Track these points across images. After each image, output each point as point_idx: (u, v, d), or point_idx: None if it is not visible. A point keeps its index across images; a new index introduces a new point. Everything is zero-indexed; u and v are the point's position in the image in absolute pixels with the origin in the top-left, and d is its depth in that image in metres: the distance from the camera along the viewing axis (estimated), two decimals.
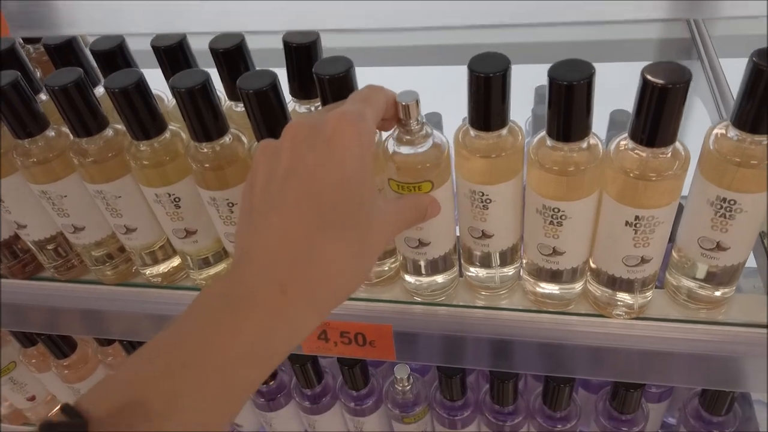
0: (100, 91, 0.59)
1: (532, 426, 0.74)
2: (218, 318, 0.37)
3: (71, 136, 0.54)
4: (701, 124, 0.67)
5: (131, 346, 0.78)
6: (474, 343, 0.60)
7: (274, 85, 0.47)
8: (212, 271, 0.64)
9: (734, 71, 0.61)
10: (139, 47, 0.61)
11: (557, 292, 0.56)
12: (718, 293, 0.53)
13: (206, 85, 0.47)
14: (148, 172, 0.53)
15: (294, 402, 0.80)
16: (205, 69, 0.50)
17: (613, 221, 0.48)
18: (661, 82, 0.39)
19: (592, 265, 0.54)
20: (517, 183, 0.50)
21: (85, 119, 0.51)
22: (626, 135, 0.45)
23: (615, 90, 0.61)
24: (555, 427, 0.71)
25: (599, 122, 0.49)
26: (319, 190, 0.38)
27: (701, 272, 0.52)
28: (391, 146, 0.49)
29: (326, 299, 0.39)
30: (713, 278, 0.51)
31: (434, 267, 0.57)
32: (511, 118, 0.47)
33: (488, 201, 0.50)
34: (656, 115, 0.41)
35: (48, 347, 0.81)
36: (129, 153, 0.53)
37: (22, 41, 0.69)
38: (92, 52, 0.58)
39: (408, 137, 0.48)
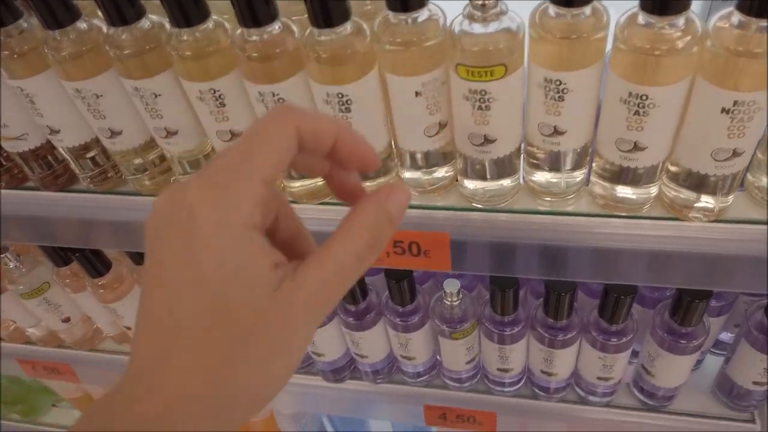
0: None
1: (585, 340, 0.72)
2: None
3: (105, 29, 0.49)
4: None
5: None
6: (535, 251, 0.57)
7: None
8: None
9: None
10: None
11: (631, 195, 0.52)
12: None
13: None
14: (189, 66, 0.49)
15: (338, 319, 0.78)
16: None
17: (706, 108, 0.44)
18: None
19: (672, 165, 0.50)
20: (597, 71, 0.45)
21: (120, 6, 0.47)
22: (731, 8, 0.40)
23: None
24: (609, 341, 0.69)
25: None
26: (176, 307, 0.28)
27: None
28: (459, 26, 0.44)
29: (238, 414, 0.30)
30: None
31: (498, 168, 0.53)
32: None
33: (565, 91, 0.45)
34: None
35: (82, 265, 0.79)
36: (169, 45, 0.48)
37: None
38: None
39: (480, 13, 0.43)
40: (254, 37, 0.46)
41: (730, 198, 0.51)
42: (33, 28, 0.51)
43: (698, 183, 0.49)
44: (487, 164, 0.52)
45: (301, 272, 0.30)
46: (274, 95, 0.49)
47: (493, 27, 0.44)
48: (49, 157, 0.62)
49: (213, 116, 0.52)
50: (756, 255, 0.52)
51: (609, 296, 0.64)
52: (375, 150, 0.33)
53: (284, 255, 0.31)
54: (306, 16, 0.45)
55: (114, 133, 0.56)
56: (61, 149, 0.60)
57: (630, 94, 0.44)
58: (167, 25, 0.49)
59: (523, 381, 0.84)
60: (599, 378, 0.76)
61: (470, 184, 0.55)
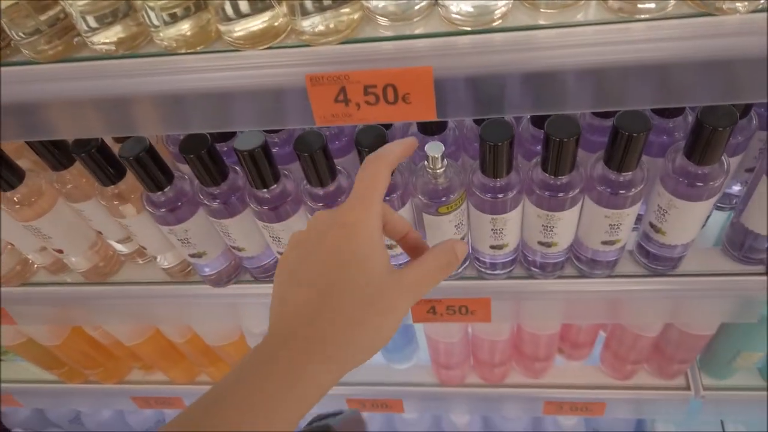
0: None
1: (589, 198, 0.63)
2: (275, 375, 0.43)
3: None
4: None
5: (94, 163, 0.63)
6: (542, 79, 0.47)
7: None
8: (183, 27, 0.48)
9: None
10: None
11: None
12: None
13: None
14: None
15: (305, 207, 0.67)
16: None
17: None
18: None
19: None
20: None
21: None
22: None
23: None
24: (618, 193, 0.60)
25: None
26: (339, 266, 0.46)
27: None
28: None
29: (357, 356, 0.46)
30: None
31: None
32: None
33: None
34: None
35: None
36: None
37: None
38: None
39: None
40: None
41: None
42: None
43: None
44: None
45: (406, 267, 0.48)
46: None
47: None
48: None
49: None
50: None
51: (619, 136, 0.55)
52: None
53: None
54: None
55: None
56: None
57: None
58: None
59: (517, 261, 0.76)
60: (604, 243, 0.68)
61: (456, 4, 0.44)
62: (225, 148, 0.70)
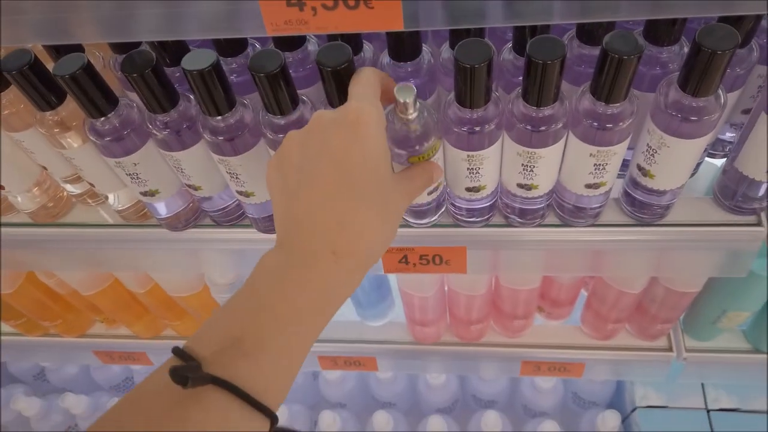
0: None
1: (573, 135, 0.58)
2: (284, 278, 0.46)
3: None
4: None
5: (27, 83, 0.57)
6: None
7: None
8: None
9: None
10: None
11: None
12: None
13: None
14: None
15: (265, 140, 0.61)
16: None
17: None
18: None
19: None
20: None
21: None
22: None
23: None
24: (605, 127, 0.55)
25: None
26: (349, 167, 0.46)
27: None
28: None
29: (367, 259, 0.48)
30: None
31: None
32: None
33: None
34: None
35: None
36: None
37: None
38: None
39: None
40: None
41: None
42: None
43: None
44: None
45: (401, 174, 0.54)
46: None
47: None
48: None
49: None
50: None
51: (608, 59, 0.50)
52: None
53: None
54: None
55: None
56: None
57: None
58: None
59: (495, 208, 0.71)
60: (588, 186, 0.63)
61: None
62: (177, 74, 0.64)
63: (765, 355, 0.97)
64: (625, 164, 0.67)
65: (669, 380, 1.07)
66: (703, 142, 0.57)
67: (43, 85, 0.58)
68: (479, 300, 0.93)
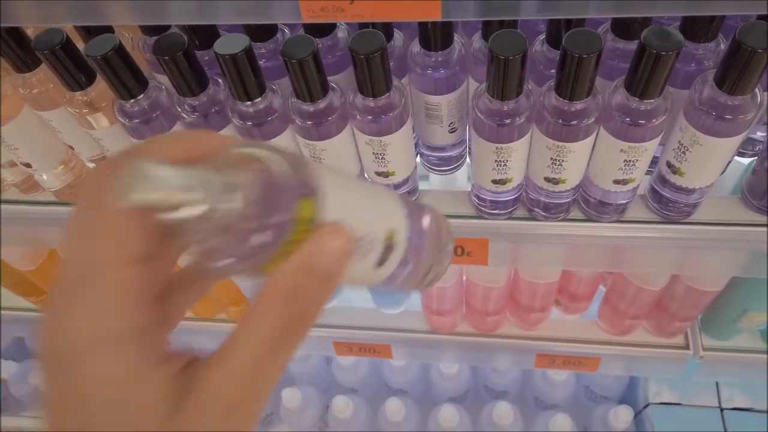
0: None
1: (605, 130, 0.57)
2: None
3: None
4: None
5: (59, 63, 0.57)
6: None
7: None
8: None
9: None
10: None
11: None
12: None
13: None
14: None
15: (293, 126, 0.61)
16: None
17: None
18: None
19: None
20: None
21: None
22: None
23: None
24: (638, 123, 0.55)
25: None
26: None
27: None
28: None
29: None
30: None
31: None
32: None
33: None
34: None
35: None
36: None
37: None
38: None
39: None
40: None
41: None
42: None
43: None
44: None
45: (203, 377, 0.25)
46: None
47: None
48: None
49: None
50: None
51: (645, 54, 0.49)
52: None
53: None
54: None
55: None
56: None
57: None
58: None
59: (519, 201, 0.70)
60: (616, 182, 0.62)
61: None
62: (206, 57, 0.64)
63: None
64: (653, 161, 0.66)
65: (684, 378, 1.07)
66: (736, 141, 0.56)
67: (74, 65, 0.58)
68: (497, 292, 0.92)
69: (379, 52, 0.52)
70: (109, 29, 0.62)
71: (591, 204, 0.68)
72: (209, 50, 0.62)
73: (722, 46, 0.58)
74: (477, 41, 0.62)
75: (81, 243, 0.25)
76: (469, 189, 0.72)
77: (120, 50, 0.55)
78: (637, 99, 0.53)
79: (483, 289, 0.92)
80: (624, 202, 0.67)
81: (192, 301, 0.31)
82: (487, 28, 0.59)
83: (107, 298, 0.24)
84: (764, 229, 0.67)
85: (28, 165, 0.71)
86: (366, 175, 0.68)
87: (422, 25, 0.57)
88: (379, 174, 0.66)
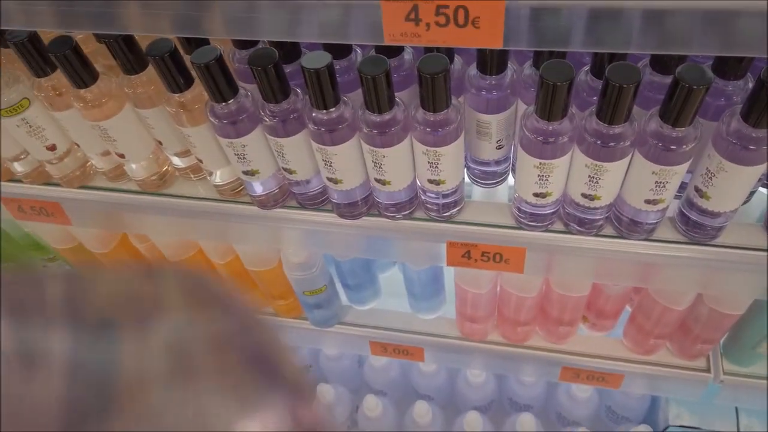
0: None
1: (639, 153, 0.64)
2: None
3: None
4: None
5: (166, 67, 0.66)
6: (608, 15, 0.48)
7: None
8: None
9: None
10: None
11: None
12: None
13: None
14: None
15: (360, 134, 0.69)
16: None
17: None
18: None
19: None
20: None
21: None
22: None
23: None
24: (669, 149, 0.61)
25: None
26: None
27: None
28: None
29: None
30: None
31: None
32: None
33: None
34: None
35: (65, 71, 0.68)
36: None
37: None
38: None
39: None
40: None
41: None
42: None
43: None
44: None
45: None
46: None
47: None
48: None
49: None
50: None
51: (679, 87, 0.56)
52: None
53: None
54: None
55: None
56: None
57: None
58: None
59: (556, 215, 0.77)
60: (647, 201, 0.69)
61: None
62: (288, 70, 0.72)
63: None
64: (682, 186, 0.73)
65: (704, 400, 1.11)
66: (759, 170, 0.62)
67: (177, 70, 0.67)
68: (530, 302, 0.99)
69: (443, 73, 0.60)
70: (206, 41, 0.71)
71: (623, 222, 0.75)
72: (292, 64, 0.71)
73: (750, 84, 0.64)
74: (528, 68, 0.70)
75: None
76: (511, 202, 0.79)
77: (220, 60, 0.64)
78: (670, 127, 0.60)
79: (516, 298, 0.98)
80: (654, 222, 0.73)
81: None
82: (538, 58, 0.67)
83: None
84: None
85: (121, 155, 0.80)
86: (419, 182, 0.76)
87: (481, 52, 0.65)
88: (431, 182, 0.73)
